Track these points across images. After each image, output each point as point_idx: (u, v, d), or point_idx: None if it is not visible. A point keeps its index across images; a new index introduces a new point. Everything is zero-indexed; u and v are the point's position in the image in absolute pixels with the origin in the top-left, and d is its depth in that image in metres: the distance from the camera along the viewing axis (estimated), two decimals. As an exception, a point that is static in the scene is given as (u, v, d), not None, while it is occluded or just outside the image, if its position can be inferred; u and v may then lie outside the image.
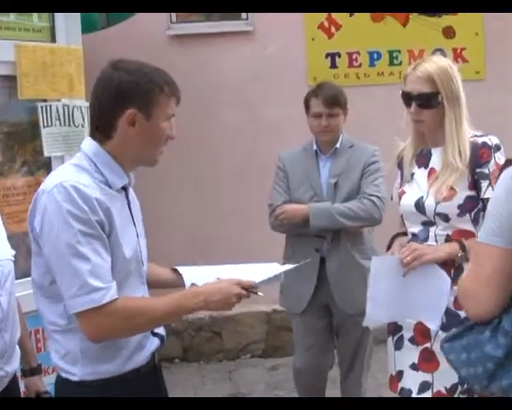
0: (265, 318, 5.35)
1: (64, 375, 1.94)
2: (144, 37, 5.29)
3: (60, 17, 3.26)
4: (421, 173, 2.73)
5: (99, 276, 1.82)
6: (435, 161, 2.68)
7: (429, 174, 2.69)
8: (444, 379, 2.57)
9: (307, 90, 5.37)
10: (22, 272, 2.66)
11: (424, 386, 2.63)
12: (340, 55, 5.39)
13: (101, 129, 1.94)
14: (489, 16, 5.38)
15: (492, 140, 2.60)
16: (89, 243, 1.82)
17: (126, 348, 1.95)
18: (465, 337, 1.76)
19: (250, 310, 5.25)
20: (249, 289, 1.97)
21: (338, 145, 3.61)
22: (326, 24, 5.35)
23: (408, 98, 2.65)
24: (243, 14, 5.37)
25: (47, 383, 2.60)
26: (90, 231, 1.82)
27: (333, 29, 5.35)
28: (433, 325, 2.11)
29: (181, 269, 2.22)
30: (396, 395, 2.74)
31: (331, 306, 3.59)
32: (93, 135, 1.97)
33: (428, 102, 2.61)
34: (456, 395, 2.55)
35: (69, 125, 3.25)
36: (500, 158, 2.56)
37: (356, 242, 3.53)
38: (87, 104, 3.33)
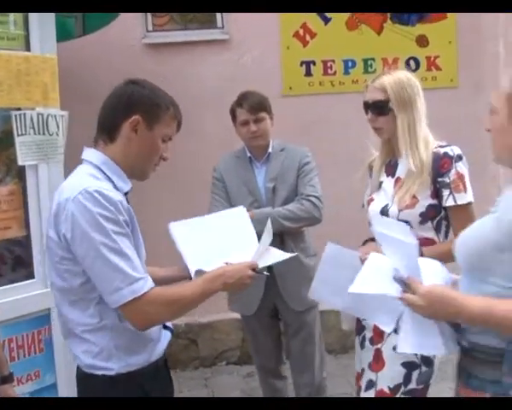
0: (241, 325, 5.35)
1: (100, 372, 2.05)
2: (120, 45, 5.30)
3: (34, 25, 3.25)
4: (388, 182, 2.84)
5: (136, 268, 1.98)
6: (401, 170, 2.78)
7: (396, 183, 2.80)
8: (387, 379, 2.68)
9: (283, 98, 5.48)
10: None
11: (369, 384, 2.75)
12: (314, 64, 5.43)
13: (107, 131, 2.09)
14: (462, 25, 5.48)
15: (454, 150, 2.70)
16: (121, 241, 1.96)
17: (151, 339, 2.12)
18: None
19: (226, 317, 5.26)
20: (258, 271, 2.21)
21: (270, 150, 3.73)
22: (301, 32, 5.39)
23: (365, 107, 2.83)
24: (219, 23, 5.40)
25: (22, 393, 2.60)
26: (120, 230, 1.97)
27: (308, 37, 5.39)
28: (386, 328, 2.14)
29: (181, 250, 2.38)
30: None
31: (279, 305, 3.70)
32: (97, 139, 2.12)
33: (381, 109, 2.76)
34: (398, 395, 2.65)
35: (43, 133, 3.24)
36: (462, 168, 2.66)
37: (298, 241, 3.65)
38: (62, 113, 3.34)
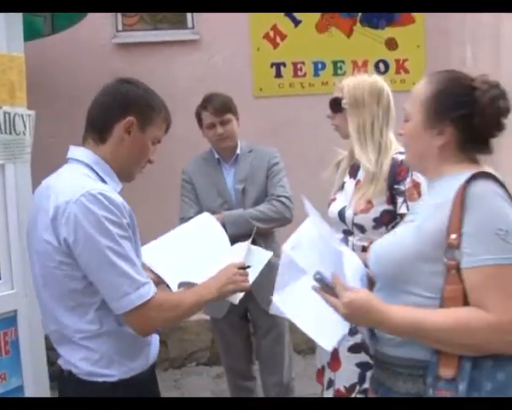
0: (210, 326, 5.35)
1: (100, 379, 1.97)
2: (90, 45, 5.27)
3: (1, 24, 3.20)
4: (350, 184, 2.89)
5: (140, 272, 1.94)
6: (362, 173, 2.82)
7: (356, 185, 2.84)
8: (343, 379, 2.73)
9: (254, 100, 5.48)
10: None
11: (329, 383, 2.81)
12: (285, 65, 5.46)
13: (99, 131, 2.03)
14: (430, 29, 5.54)
15: None
16: (125, 245, 1.91)
17: (148, 343, 2.09)
18: None
19: (195, 318, 5.22)
20: (244, 267, 2.27)
21: (238, 151, 3.73)
22: (271, 34, 5.41)
23: (333, 104, 2.89)
24: (189, 23, 5.39)
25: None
26: (124, 234, 1.91)
27: (278, 39, 5.42)
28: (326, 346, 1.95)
29: (158, 272, 2.35)
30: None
31: (250, 307, 3.69)
32: (87, 137, 2.06)
33: (335, 106, 2.85)
34: (353, 395, 2.71)
35: (10, 132, 3.19)
36: (418, 176, 2.63)
37: (269, 242, 3.64)
38: (29, 112, 3.30)
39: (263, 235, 3.58)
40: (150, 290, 1.94)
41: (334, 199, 2.94)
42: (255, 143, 3.90)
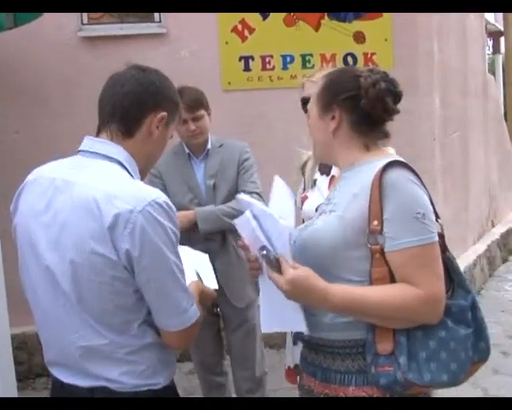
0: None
1: (145, 388, 1.86)
2: (55, 38, 5.19)
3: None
4: (323, 180, 2.86)
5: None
6: (336, 168, 2.77)
7: (330, 181, 2.82)
8: None
9: (222, 94, 5.45)
10: None
11: None
12: (253, 59, 5.43)
13: (129, 124, 1.87)
14: (397, 23, 5.55)
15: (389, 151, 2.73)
16: (179, 255, 1.84)
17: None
18: (421, 351, 1.79)
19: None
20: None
21: (209, 146, 3.68)
22: (239, 27, 5.38)
23: (304, 103, 2.78)
24: (156, 17, 5.33)
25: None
26: (178, 244, 1.83)
27: (246, 32, 5.39)
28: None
29: None
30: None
31: (220, 302, 3.62)
32: (107, 131, 1.88)
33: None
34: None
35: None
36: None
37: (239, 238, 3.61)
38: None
39: (234, 231, 3.54)
40: (197, 307, 1.88)
41: (306, 197, 2.92)
42: (225, 137, 3.86)
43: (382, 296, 1.77)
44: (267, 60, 5.44)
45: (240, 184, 3.62)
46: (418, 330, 1.79)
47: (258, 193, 3.58)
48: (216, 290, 3.25)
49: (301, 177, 3.04)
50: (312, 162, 2.92)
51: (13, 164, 4.57)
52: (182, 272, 1.83)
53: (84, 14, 5.25)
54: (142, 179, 1.96)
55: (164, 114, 1.90)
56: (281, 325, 1.95)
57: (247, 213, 1.82)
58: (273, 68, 5.46)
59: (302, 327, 1.85)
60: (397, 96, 1.95)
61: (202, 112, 3.59)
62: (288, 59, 5.46)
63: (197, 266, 2.28)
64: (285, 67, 5.46)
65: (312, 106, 2.01)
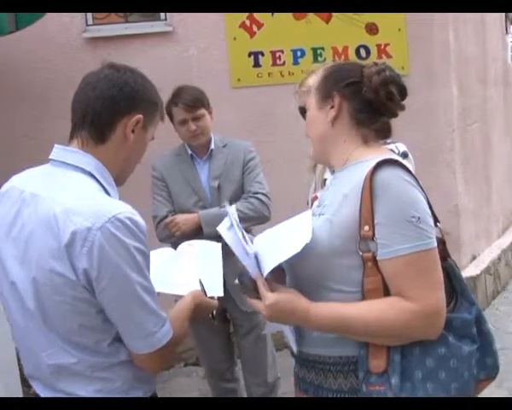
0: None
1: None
2: (60, 40, 5.11)
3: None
4: None
5: (157, 304, 1.75)
6: None
7: None
8: None
9: (231, 91, 5.32)
10: None
11: None
12: (263, 54, 5.29)
13: (101, 129, 1.75)
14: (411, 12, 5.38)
15: (399, 147, 2.63)
16: (149, 275, 1.72)
17: None
18: (416, 372, 1.64)
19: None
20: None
21: (212, 146, 3.57)
22: (247, 23, 5.24)
23: (302, 113, 2.59)
24: (162, 15, 5.22)
25: None
26: (147, 264, 1.72)
27: (255, 28, 5.24)
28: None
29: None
30: None
31: (229, 307, 3.55)
32: (78, 138, 1.77)
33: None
34: None
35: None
36: (407, 165, 2.53)
37: None
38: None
39: None
40: (170, 327, 1.76)
41: (316, 197, 2.78)
42: (231, 136, 3.77)
43: (371, 313, 1.63)
44: (277, 55, 5.29)
45: (245, 185, 3.52)
46: (415, 346, 1.64)
47: (264, 193, 3.49)
48: (223, 296, 3.10)
49: (313, 176, 2.91)
50: None
51: (20, 167, 4.48)
52: (149, 292, 1.70)
53: (89, 15, 5.17)
54: (121, 185, 1.85)
55: (139, 116, 1.78)
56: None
57: (234, 224, 1.72)
58: (283, 63, 5.31)
59: (293, 346, 1.78)
60: (402, 89, 1.80)
61: (203, 111, 3.48)
62: (299, 53, 5.31)
63: (203, 271, 2.16)
64: (296, 62, 5.31)
65: (311, 99, 1.88)
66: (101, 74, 1.79)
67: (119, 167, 1.82)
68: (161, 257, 2.32)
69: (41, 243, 1.67)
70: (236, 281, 1.69)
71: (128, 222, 1.64)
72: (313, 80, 2.59)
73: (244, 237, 1.71)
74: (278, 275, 1.76)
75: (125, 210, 1.66)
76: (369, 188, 1.64)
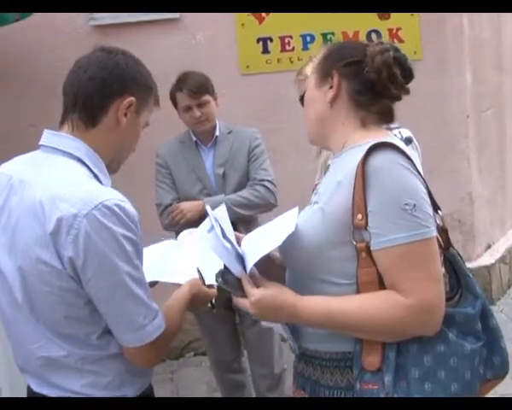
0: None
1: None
2: (66, 28, 5.07)
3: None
4: None
5: (151, 296, 1.69)
6: None
7: None
8: None
9: (241, 78, 5.24)
10: None
11: None
12: (272, 40, 5.20)
13: (92, 112, 1.71)
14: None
15: (403, 133, 2.57)
16: (140, 266, 1.66)
17: None
18: (413, 371, 1.55)
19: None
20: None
21: (217, 133, 3.51)
22: (256, 8, 5.14)
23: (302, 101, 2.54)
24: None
25: None
26: (138, 254, 1.66)
27: (263, 13, 5.15)
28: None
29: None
30: None
31: (233, 297, 3.45)
32: (68, 122, 1.73)
33: None
34: None
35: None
36: (410, 152, 2.45)
37: (251, 228, 3.45)
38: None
39: (245, 221, 3.38)
40: (163, 320, 1.70)
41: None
42: (239, 123, 3.70)
43: (363, 308, 1.54)
44: (286, 40, 5.20)
45: (250, 172, 3.46)
46: (413, 343, 1.55)
47: (270, 180, 3.44)
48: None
49: (318, 163, 2.84)
50: None
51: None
52: (139, 282, 1.64)
53: (96, 2, 5.08)
54: (114, 172, 1.79)
55: (131, 99, 1.73)
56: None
57: (214, 224, 1.64)
58: (293, 49, 5.21)
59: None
60: (407, 71, 1.70)
61: (207, 97, 3.43)
62: (309, 38, 5.21)
63: (202, 258, 2.08)
64: (305, 48, 5.21)
65: (310, 78, 1.78)
66: (92, 57, 1.75)
67: (111, 153, 1.77)
68: (162, 249, 2.27)
69: (27, 231, 1.63)
70: (215, 282, 1.63)
71: (116, 209, 1.59)
72: (310, 68, 2.57)
73: (225, 236, 1.64)
74: (270, 269, 1.70)
75: (113, 197, 1.61)
76: (362, 174, 1.55)
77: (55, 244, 1.59)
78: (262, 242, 1.65)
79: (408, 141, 2.49)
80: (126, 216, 1.60)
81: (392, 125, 2.53)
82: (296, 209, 1.71)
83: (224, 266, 1.62)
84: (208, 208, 1.75)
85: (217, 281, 1.62)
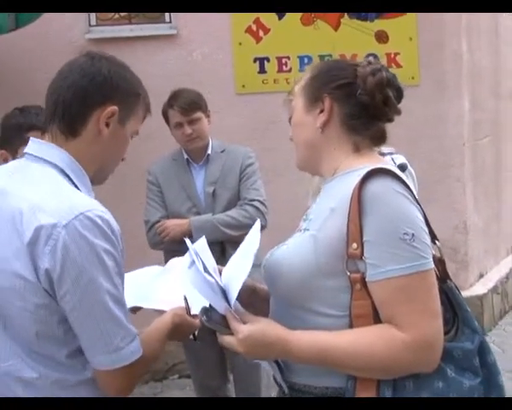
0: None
1: None
2: (62, 40, 5.00)
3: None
4: None
5: (129, 318, 1.59)
6: None
7: None
8: None
9: (236, 97, 5.21)
10: None
11: None
12: (268, 60, 5.17)
13: (72, 122, 1.62)
14: (423, 20, 5.27)
15: (396, 159, 2.54)
16: (120, 284, 1.57)
17: None
18: None
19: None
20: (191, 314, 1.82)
21: (210, 151, 3.46)
22: (254, 27, 5.13)
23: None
24: (166, 17, 5.12)
25: None
26: (119, 270, 1.56)
27: (261, 33, 5.13)
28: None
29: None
30: None
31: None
32: (52, 130, 1.64)
33: None
34: None
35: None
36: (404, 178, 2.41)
37: None
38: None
39: (234, 242, 3.28)
40: (140, 346, 1.59)
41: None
42: (234, 142, 3.65)
43: (357, 344, 1.46)
44: (283, 61, 5.17)
45: (241, 191, 3.40)
46: (409, 379, 1.47)
47: (260, 201, 3.37)
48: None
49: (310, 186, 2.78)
50: None
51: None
52: (118, 302, 1.54)
53: (92, 15, 5.09)
54: (99, 184, 1.71)
55: (113, 108, 1.62)
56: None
57: (195, 258, 1.55)
58: (290, 70, 5.18)
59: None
60: (399, 91, 1.63)
61: (199, 114, 3.38)
62: (306, 60, 5.16)
63: (189, 286, 2.01)
64: (302, 69, 5.13)
65: (297, 100, 1.70)
66: (75, 63, 1.66)
67: (94, 165, 1.67)
68: (148, 274, 2.19)
69: (5, 243, 1.54)
70: (202, 318, 1.53)
71: (98, 221, 1.50)
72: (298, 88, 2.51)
73: (206, 270, 1.55)
74: (255, 303, 1.63)
75: (95, 208, 1.53)
76: (358, 201, 1.47)
77: (31, 255, 1.50)
78: (237, 270, 1.57)
79: (402, 168, 2.44)
80: (109, 229, 1.52)
81: (385, 151, 2.49)
82: (258, 222, 1.67)
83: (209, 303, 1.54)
84: (188, 242, 1.65)
85: (201, 320, 1.54)
